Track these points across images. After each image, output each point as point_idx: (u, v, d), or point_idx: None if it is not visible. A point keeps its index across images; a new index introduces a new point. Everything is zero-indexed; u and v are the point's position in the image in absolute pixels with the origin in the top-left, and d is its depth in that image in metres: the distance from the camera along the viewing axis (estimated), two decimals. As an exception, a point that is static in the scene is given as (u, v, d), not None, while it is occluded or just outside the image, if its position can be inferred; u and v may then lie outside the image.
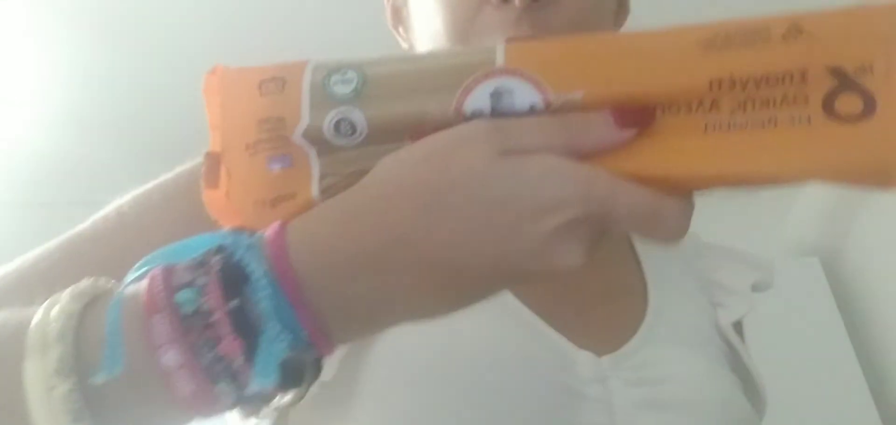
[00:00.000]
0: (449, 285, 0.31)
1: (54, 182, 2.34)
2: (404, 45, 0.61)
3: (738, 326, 0.60)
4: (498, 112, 0.33)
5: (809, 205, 2.19)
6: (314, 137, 0.35)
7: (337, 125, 0.35)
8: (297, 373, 0.33)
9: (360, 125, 0.34)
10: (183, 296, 0.31)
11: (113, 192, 2.32)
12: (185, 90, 2.07)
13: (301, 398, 0.34)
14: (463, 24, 0.50)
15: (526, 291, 0.52)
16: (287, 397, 0.34)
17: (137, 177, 2.23)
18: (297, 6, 1.86)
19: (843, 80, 0.32)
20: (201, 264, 0.32)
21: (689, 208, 0.34)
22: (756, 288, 0.60)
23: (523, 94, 0.32)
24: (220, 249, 0.32)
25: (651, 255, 0.60)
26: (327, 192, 0.35)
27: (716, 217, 2.48)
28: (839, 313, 1.99)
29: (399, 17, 0.61)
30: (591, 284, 0.55)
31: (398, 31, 0.62)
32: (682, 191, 0.34)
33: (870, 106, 0.31)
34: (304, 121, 0.35)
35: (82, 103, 2.09)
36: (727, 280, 0.60)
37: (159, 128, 2.21)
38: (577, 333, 0.51)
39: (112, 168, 2.33)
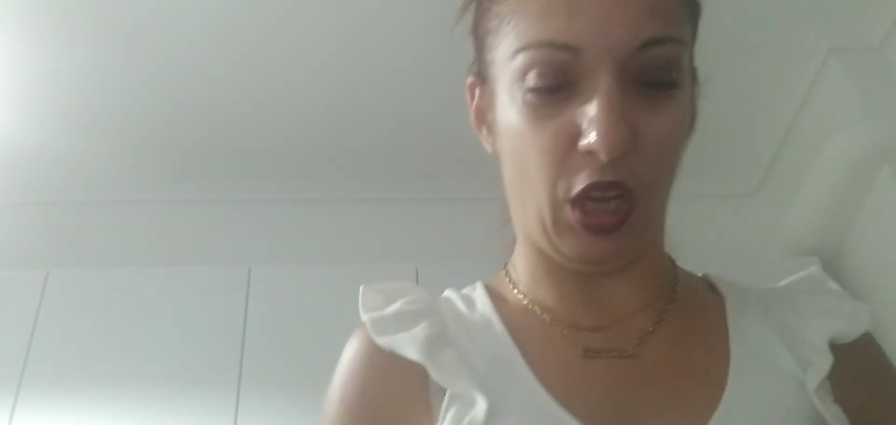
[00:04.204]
0: None
1: (54, 182, 2.34)
2: (488, 149, 0.64)
3: (846, 375, 0.59)
4: None
5: (809, 205, 2.19)
6: None
7: None
8: None
9: None
10: None
11: (113, 192, 2.34)
12: (184, 90, 2.08)
13: None
14: (553, 169, 0.54)
15: (573, 395, 0.55)
16: None
17: (137, 177, 2.26)
18: (296, 7, 1.86)
19: None
20: None
21: None
22: (838, 339, 0.60)
23: None
24: None
25: (743, 326, 0.61)
26: None
27: (717, 217, 2.47)
28: (839, 313, 1.99)
29: (484, 119, 0.64)
30: (665, 370, 0.57)
31: (482, 133, 0.65)
32: None
33: None
34: None
35: (82, 103, 2.09)
36: (812, 336, 0.59)
37: (159, 128, 2.22)
38: None
39: (112, 168, 2.33)
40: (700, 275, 0.69)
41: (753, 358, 0.58)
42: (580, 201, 0.53)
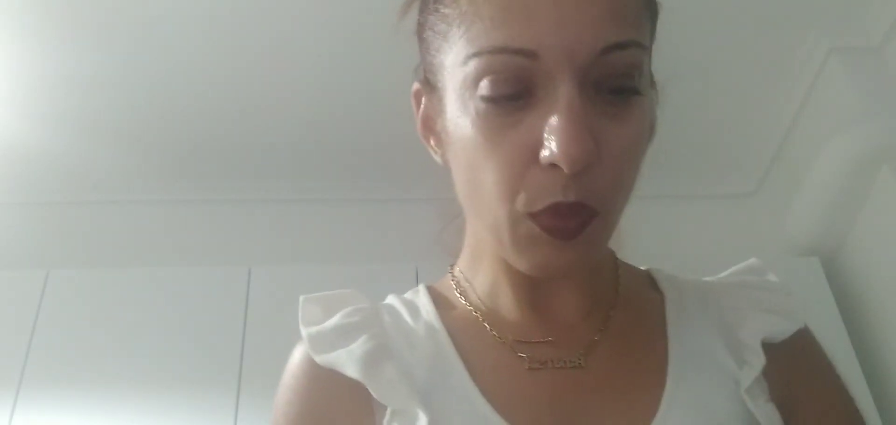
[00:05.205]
0: None
1: (54, 182, 2.34)
2: (437, 159, 0.61)
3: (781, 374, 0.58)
4: None
5: (809, 205, 2.19)
6: None
7: None
8: None
9: None
10: None
11: (113, 192, 2.34)
12: (184, 90, 2.08)
13: None
14: (512, 184, 0.51)
15: (518, 408, 0.54)
16: None
17: (137, 177, 2.26)
18: (296, 8, 1.86)
19: None
20: None
21: None
22: (772, 338, 0.59)
23: None
24: None
25: (681, 325, 0.60)
26: None
27: (717, 217, 2.47)
28: (839, 313, 1.99)
29: (431, 129, 0.61)
30: (609, 379, 0.57)
31: (430, 143, 0.62)
32: None
33: None
34: None
35: (83, 103, 2.09)
36: (746, 334, 0.59)
37: (159, 128, 2.22)
38: None
39: (112, 168, 2.33)
40: (643, 269, 0.68)
41: (691, 360, 0.58)
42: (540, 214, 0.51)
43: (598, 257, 0.58)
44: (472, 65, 0.51)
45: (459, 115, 0.53)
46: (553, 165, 0.49)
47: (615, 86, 0.50)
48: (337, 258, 2.29)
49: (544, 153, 0.49)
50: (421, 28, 0.60)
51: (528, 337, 0.59)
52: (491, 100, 0.51)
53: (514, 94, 0.50)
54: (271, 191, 2.45)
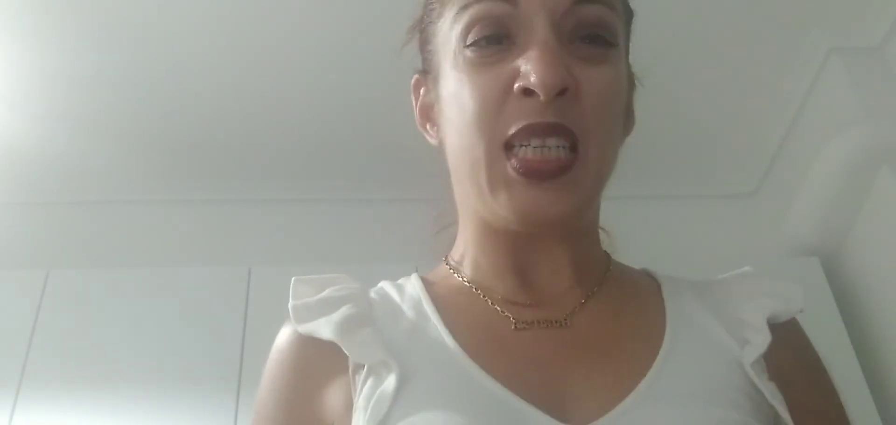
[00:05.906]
0: None
1: (54, 182, 2.34)
2: (432, 142, 0.66)
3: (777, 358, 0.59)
4: None
5: (809, 205, 2.19)
6: None
7: None
8: None
9: None
10: None
11: (113, 192, 2.34)
12: (184, 90, 2.08)
13: None
14: (490, 114, 0.55)
15: (509, 365, 0.54)
16: None
17: (137, 177, 2.26)
18: (296, 9, 1.86)
19: None
20: None
21: None
22: (775, 318, 0.60)
23: None
24: None
25: (679, 303, 0.62)
26: None
27: (717, 217, 2.47)
28: (839, 313, 1.99)
29: (428, 116, 0.66)
30: (596, 340, 0.58)
31: (426, 129, 0.67)
32: None
33: None
34: None
35: (82, 103, 2.09)
36: (749, 315, 0.60)
37: (159, 128, 2.21)
38: (563, 397, 0.53)
39: (112, 168, 2.33)
40: (638, 269, 0.69)
41: (689, 331, 0.59)
42: (518, 149, 0.53)
43: (580, 207, 0.58)
44: (462, 20, 0.57)
45: (450, 75, 0.59)
46: (530, 94, 0.53)
47: (588, 33, 0.56)
48: (337, 258, 2.29)
49: (519, 82, 0.54)
50: (421, 23, 0.66)
51: (516, 301, 0.61)
52: (475, 44, 0.56)
53: (495, 35, 0.56)
54: (271, 191, 2.45)
